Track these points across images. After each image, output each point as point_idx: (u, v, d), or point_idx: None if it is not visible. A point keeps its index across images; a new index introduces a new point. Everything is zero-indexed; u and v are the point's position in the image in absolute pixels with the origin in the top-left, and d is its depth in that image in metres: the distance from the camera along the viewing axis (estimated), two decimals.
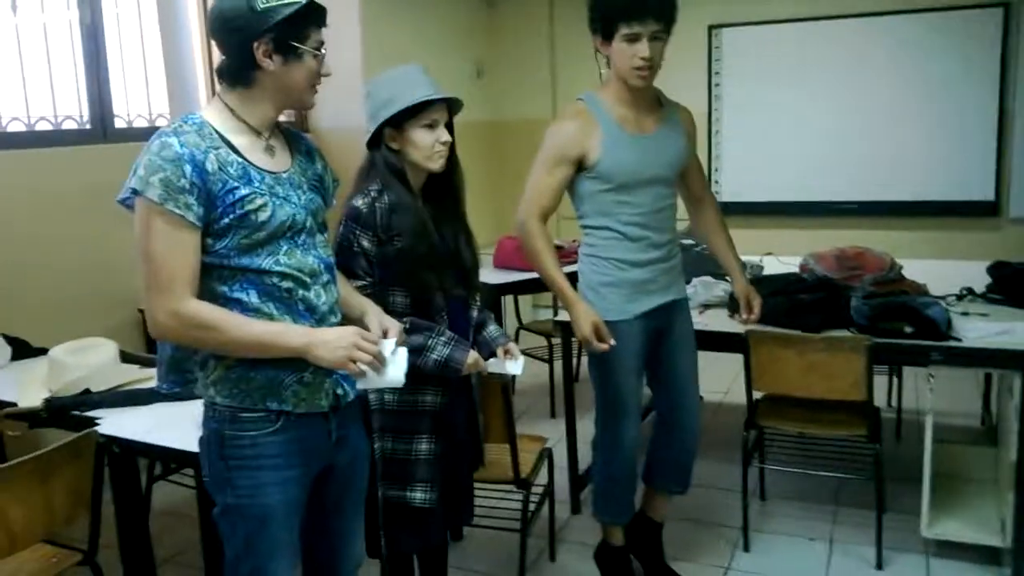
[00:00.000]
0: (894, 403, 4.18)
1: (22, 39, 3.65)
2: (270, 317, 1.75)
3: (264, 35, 1.69)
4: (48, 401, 2.57)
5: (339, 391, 1.89)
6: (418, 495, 2.28)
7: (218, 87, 1.81)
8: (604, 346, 2.56)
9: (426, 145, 2.22)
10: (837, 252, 3.61)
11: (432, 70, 2.32)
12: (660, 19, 2.47)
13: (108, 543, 2.46)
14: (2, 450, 3.06)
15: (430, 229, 2.25)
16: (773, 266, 3.95)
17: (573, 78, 6.08)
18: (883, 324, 2.98)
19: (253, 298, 1.75)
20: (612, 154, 2.60)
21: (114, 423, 2.44)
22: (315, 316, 1.82)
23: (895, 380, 4.21)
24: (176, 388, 1.86)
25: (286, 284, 1.78)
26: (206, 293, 1.73)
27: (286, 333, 1.74)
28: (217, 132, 1.74)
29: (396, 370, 1.87)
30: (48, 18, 3.74)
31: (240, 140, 1.77)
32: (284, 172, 1.83)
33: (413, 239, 2.19)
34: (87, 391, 2.61)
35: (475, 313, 2.40)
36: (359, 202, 2.20)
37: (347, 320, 1.97)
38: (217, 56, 1.80)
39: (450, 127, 2.30)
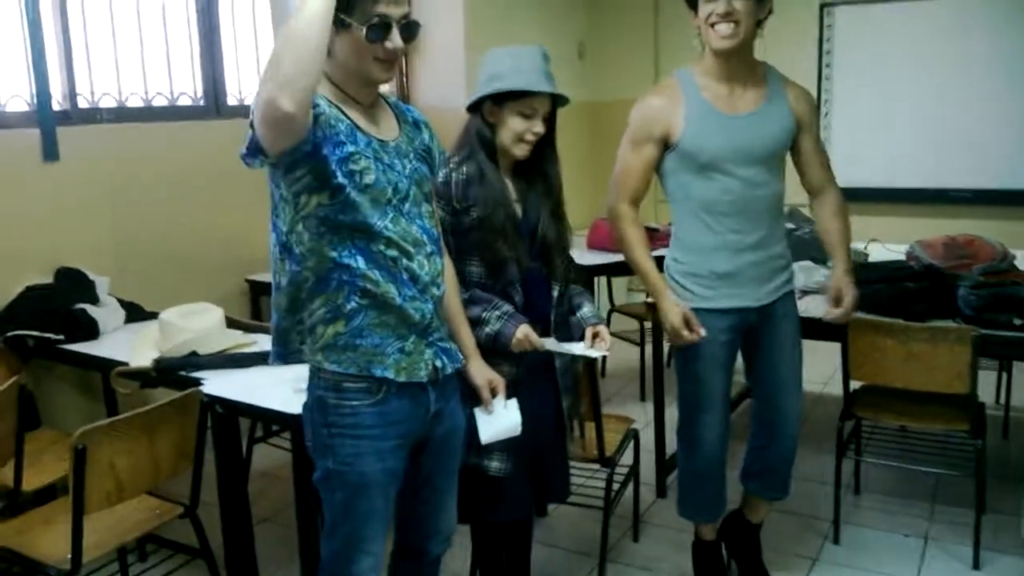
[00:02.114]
0: (1002, 400, 4.00)
1: (141, 17, 3.82)
2: (376, 284, 1.80)
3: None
4: (157, 361, 2.71)
5: (438, 363, 1.93)
6: (495, 463, 2.31)
7: None
8: (694, 336, 2.48)
9: (517, 131, 2.23)
10: (946, 240, 3.47)
11: None
12: None
13: (208, 500, 2.58)
14: (114, 406, 3.25)
15: (507, 200, 2.26)
16: (879, 253, 3.82)
17: (676, 57, 5.97)
18: (991, 315, 2.86)
19: (360, 263, 1.79)
20: (695, 131, 2.49)
21: (218, 384, 2.55)
22: (418, 286, 1.86)
23: (1004, 376, 4.02)
24: (279, 360, 1.92)
25: (391, 252, 1.81)
26: (320, 259, 1.79)
27: None
28: (327, 99, 1.78)
29: (513, 418, 2.09)
30: None
31: (347, 108, 1.81)
32: (391, 140, 1.87)
33: (487, 209, 2.21)
34: (194, 353, 2.74)
35: (555, 291, 2.37)
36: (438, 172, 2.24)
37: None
38: None
39: (552, 121, 2.29)
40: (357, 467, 1.86)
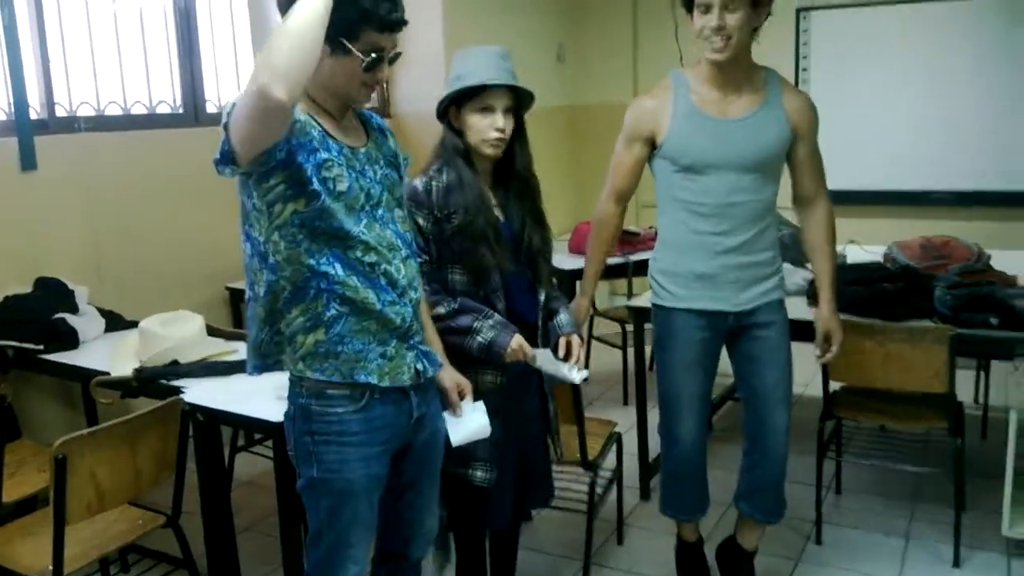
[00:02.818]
0: (981, 399, 4.05)
1: (119, 26, 3.80)
2: (354, 290, 1.80)
3: None
4: (138, 371, 2.69)
5: (419, 367, 1.93)
6: (479, 473, 2.31)
7: None
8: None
9: (478, 129, 2.23)
10: (922, 241, 3.51)
11: (513, 54, 2.32)
12: None
13: (191, 509, 2.57)
14: (95, 416, 3.23)
15: (487, 207, 2.26)
16: (856, 255, 3.85)
17: (655, 62, 6.01)
18: (968, 315, 2.89)
19: (339, 270, 1.79)
20: (679, 134, 2.50)
21: (199, 393, 2.54)
22: (396, 290, 1.87)
23: (982, 375, 4.07)
24: (256, 372, 1.91)
25: (368, 258, 1.82)
26: (297, 267, 1.78)
27: None
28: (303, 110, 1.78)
29: (480, 420, 2.10)
30: (144, 5, 3.89)
31: (318, 117, 1.81)
32: (361, 147, 1.88)
33: (468, 216, 2.22)
34: (175, 362, 2.73)
35: (542, 297, 2.38)
36: (417, 181, 2.25)
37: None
38: None
39: (519, 117, 2.30)
40: (343, 474, 1.86)
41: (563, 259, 4.11)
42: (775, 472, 2.69)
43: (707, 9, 2.37)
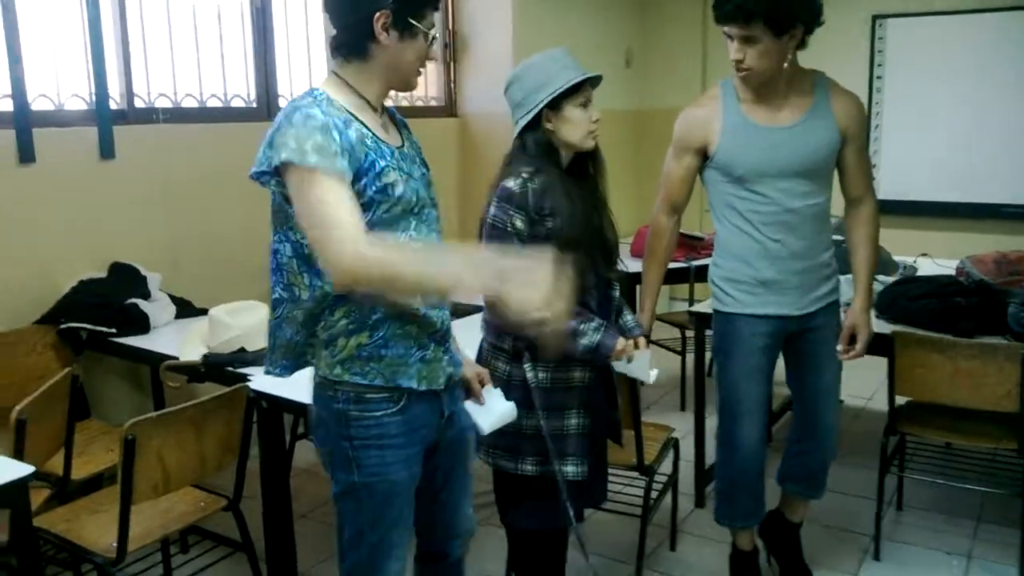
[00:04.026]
0: None
1: (198, 20, 3.90)
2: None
3: (385, 7, 1.69)
4: (206, 357, 2.76)
5: (451, 370, 1.95)
6: (570, 468, 2.33)
7: (332, 63, 1.83)
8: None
9: (579, 123, 2.26)
10: (997, 256, 3.41)
11: (581, 57, 2.33)
12: (744, 22, 2.34)
13: (251, 494, 2.63)
14: (162, 400, 3.32)
15: (585, 209, 2.28)
16: (928, 268, 3.77)
17: (723, 66, 5.92)
18: None
19: None
20: (730, 144, 2.51)
21: (264, 380, 2.56)
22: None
23: None
24: (288, 373, 1.91)
25: None
26: None
27: (468, 271, 1.63)
28: (345, 108, 1.75)
29: (506, 404, 2.12)
30: (221, 1, 3.98)
31: (364, 116, 1.77)
32: (402, 147, 1.86)
33: (567, 219, 2.22)
34: (242, 349, 2.79)
35: (616, 293, 2.41)
36: (511, 183, 2.23)
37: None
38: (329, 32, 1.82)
39: None
40: (386, 476, 1.84)
41: (626, 262, 4.08)
42: (826, 459, 2.80)
43: (730, 38, 2.42)
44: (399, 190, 1.76)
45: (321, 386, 1.85)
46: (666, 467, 3.10)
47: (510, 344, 2.33)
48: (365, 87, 1.79)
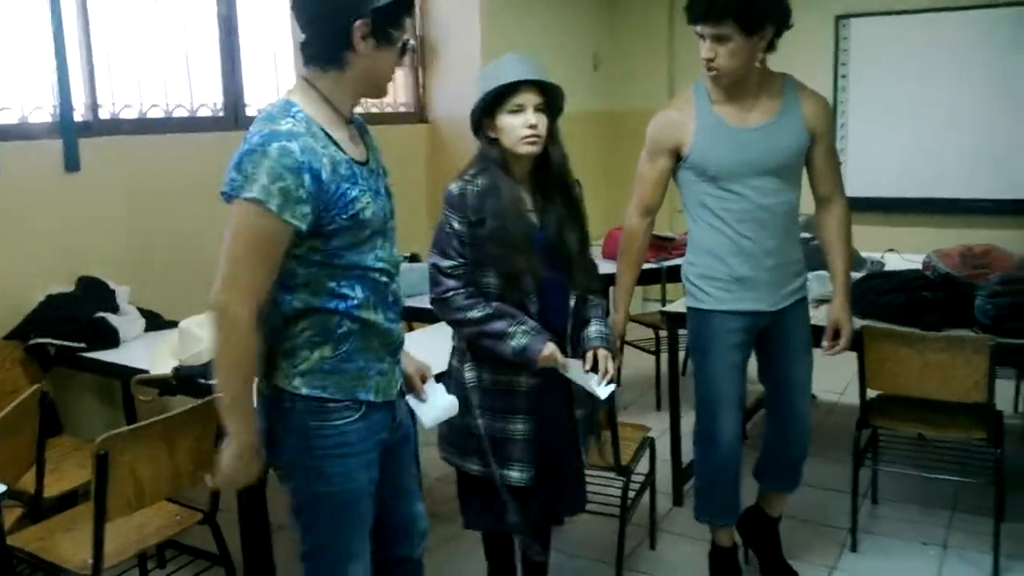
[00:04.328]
0: (1020, 408, 3.98)
1: (163, 30, 3.87)
2: (370, 310, 1.80)
3: (365, 16, 1.68)
4: (177, 369, 2.73)
5: (400, 380, 1.98)
6: (515, 473, 2.32)
7: (303, 71, 1.79)
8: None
9: (512, 129, 2.23)
10: (963, 249, 3.46)
11: (549, 61, 2.33)
12: (716, 21, 2.39)
13: (228, 507, 2.60)
14: (134, 414, 3.28)
15: (520, 211, 2.27)
16: (895, 263, 3.82)
17: (690, 68, 5.99)
18: (1009, 325, 2.85)
19: (359, 292, 1.78)
20: (704, 145, 2.56)
21: None
22: (397, 307, 1.89)
23: (1022, 385, 4.00)
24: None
25: (383, 279, 1.83)
26: (315, 287, 1.76)
27: (242, 420, 1.75)
28: (322, 129, 1.72)
29: (447, 399, 2.11)
30: (187, 10, 3.95)
31: (338, 134, 1.76)
32: (368, 162, 1.84)
33: (501, 220, 2.23)
34: (212, 361, 2.76)
35: (572, 302, 2.37)
36: (452, 186, 2.28)
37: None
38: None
39: (554, 114, 2.30)
40: (348, 484, 1.84)
41: (597, 264, 4.10)
42: (802, 452, 2.84)
43: (702, 37, 2.47)
44: (368, 213, 1.76)
45: (275, 399, 1.83)
46: (643, 467, 3.11)
47: (458, 342, 2.37)
48: (339, 97, 1.78)
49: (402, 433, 2.03)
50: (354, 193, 1.73)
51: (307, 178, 1.65)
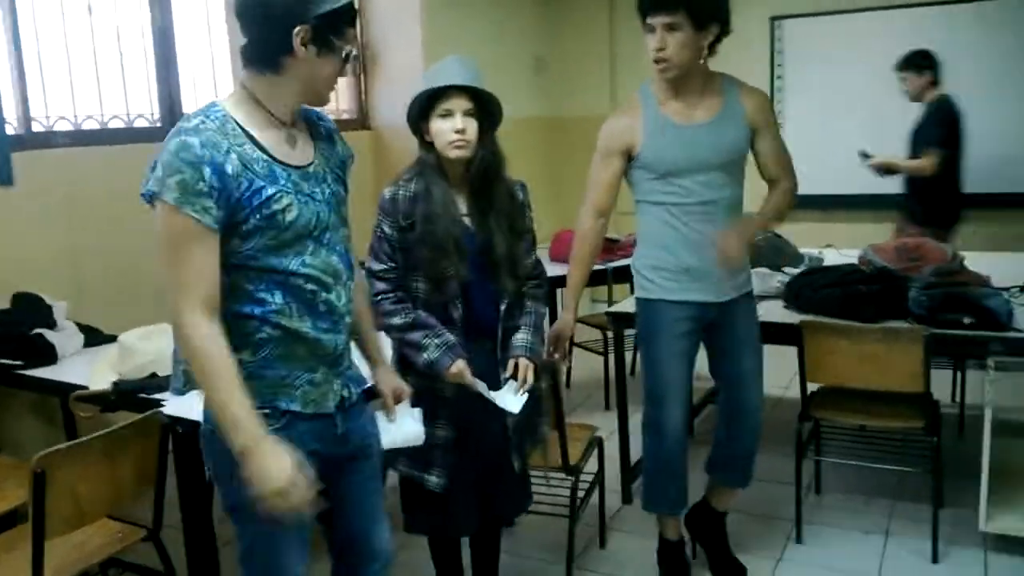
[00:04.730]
0: (958, 398, 4.08)
1: (97, 41, 3.80)
2: (290, 318, 1.75)
3: (306, 22, 1.67)
4: (116, 384, 2.69)
5: (345, 393, 1.90)
6: (433, 478, 2.34)
7: (241, 74, 1.78)
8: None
9: (440, 133, 2.26)
10: (898, 243, 3.56)
11: (491, 66, 2.36)
12: (669, 10, 2.48)
13: (172, 523, 2.56)
14: (74, 431, 3.22)
15: (451, 214, 2.28)
16: (833, 258, 3.90)
17: (633, 72, 6.06)
18: (942, 315, 2.94)
19: (278, 298, 1.74)
20: (653, 144, 2.64)
21: (179, 405, 2.53)
22: (333, 317, 1.83)
23: (959, 375, 4.11)
24: (178, 394, 1.89)
25: (310, 286, 1.77)
26: (231, 289, 1.72)
27: (236, 425, 1.65)
28: (241, 127, 1.71)
29: (414, 427, 2.04)
30: (121, 20, 3.89)
31: (264, 135, 1.74)
32: (309, 166, 1.80)
33: (430, 224, 2.25)
34: (154, 375, 2.72)
35: (503, 307, 2.37)
36: (386, 190, 2.30)
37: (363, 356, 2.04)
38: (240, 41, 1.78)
39: (490, 119, 2.32)
40: None
41: (545, 267, 4.12)
42: (752, 445, 2.90)
43: (652, 30, 2.54)
44: (291, 215, 1.73)
45: (204, 401, 1.80)
46: (592, 466, 3.13)
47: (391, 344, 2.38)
48: (275, 101, 1.75)
49: (356, 448, 1.96)
50: (270, 192, 1.70)
51: (207, 171, 1.63)
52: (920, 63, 4.75)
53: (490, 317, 2.37)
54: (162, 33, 4.01)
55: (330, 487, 1.91)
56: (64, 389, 2.83)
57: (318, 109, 1.93)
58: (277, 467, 1.65)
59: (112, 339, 3.04)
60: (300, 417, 1.81)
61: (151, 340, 2.81)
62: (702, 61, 2.62)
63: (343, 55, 1.77)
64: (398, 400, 2.11)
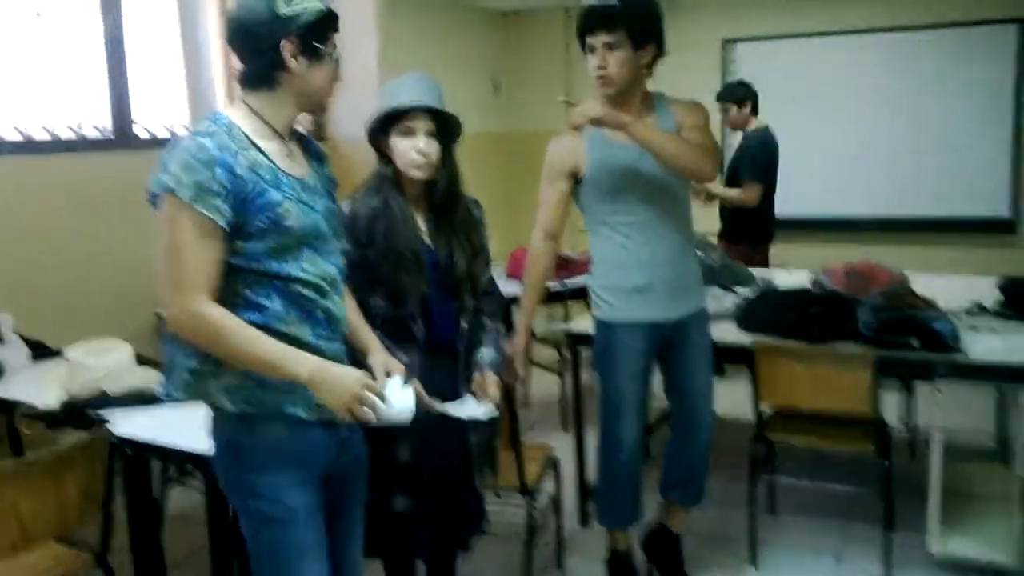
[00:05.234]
0: (910, 421, 4.15)
1: (46, 49, 3.72)
2: (288, 324, 1.77)
3: (290, 36, 1.74)
4: (65, 402, 2.62)
5: None
6: (399, 501, 2.31)
7: (239, 92, 1.84)
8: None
9: (402, 152, 2.25)
10: (847, 267, 3.61)
11: (449, 84, 2.35)
12: (609, 29, 2.57)
13: (120, 545, 2.50)
14: (19, 449, 3.12)
15: (409, 231, 2.27)
16: (784, 280, 3.95)
17: (587, 90, 6.10)
18: (890, 337, 2.99)
19: (277, 304, 1.77)
20: (596, 164, 2.70)
21: (127, 424, 2.48)
22: (331, 325, 1.86)
23: (909, 398, 4.18)
24: (185, 398, 1.85)
25: (309, 293, 1.80)
26: (230, 294, 1.74)
27: (295, 359, 1.73)
28: (246, 135, 1.76)
29: (404, 407, 1.90)
30: (71, 28, 3.82)
31: (266, 145, 1.79)
32: (307, 178, 1.86)
33: (390, 239, 2.24)
34: (103, 392, 2.66)
35: (465, 324, 2.36)
36: (344, 205, 2.26)
37: (352, 350, 2.02)
38: (236, 65, 1.84)
39: (448, 142, 2.31)
40: (282, 502, 1.81)
41: (500, 284, 4.11)
42: (704, 459, 2.95)
43: (592, 50, 2.62)
44: (292, 221, 1.77)
45: (213, 416, 1.84)
46: (549, 487, 3.12)
47: None
48: (274, 114, 1.81)
49: (350, 457, 1.97)
50: (276, 197, 1.75)
51: (219, 171, 1.68)
52: (741, 95, 4.91)
53: (450, 335, 2.35)
54: (113, 42, 3.94)
55: (330, 509, 1.93)
56: (9, 406, 2.76)
57: (303, 132, 1.98)
58: (346, 376, 1.75)
59: (60, 353, 2.97)
60: (308, 425, 1.83)
61: (100, 356, 2.75)
62: (643, 81, 2.69)
63: (333, 60, 1.83)
64: (388, 375, 2.02)
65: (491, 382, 2.33)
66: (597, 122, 2.59)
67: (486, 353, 2.38)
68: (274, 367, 1.72)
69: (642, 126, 2.59)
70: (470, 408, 2.26)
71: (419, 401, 2.10)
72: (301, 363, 1.73)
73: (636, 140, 2.58)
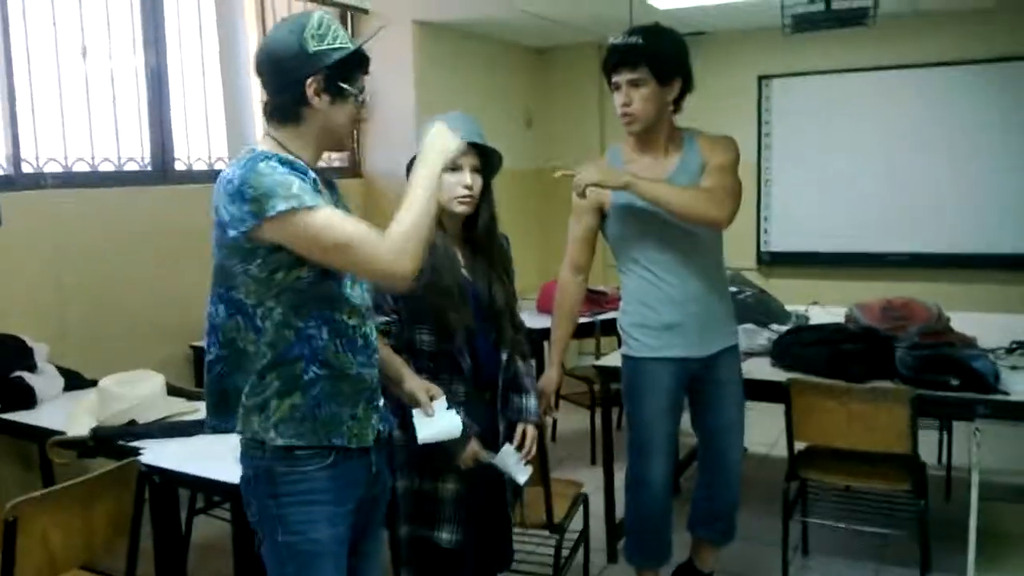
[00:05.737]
0: (945, 460, 4.06)
1: (90, 83, 3.81)
2: (336, 355, 1.80)
3: (316, 74, 1.76)
4: (95, 430, 2.65)
5: (380, 427, 1.94)
6: (445, 535, 2.29)
7: (266, 127, 1.87)
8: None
9: (448, 187, 2.26)
10: (883, 303, 3.56)
11: (482, 120, 2.37)
12: (633, 66, 2.58)
13: (146, 573, 2.50)
14: (51, 477, 3.15)
15: (454, 266, 2.29)
16: (819, 316, 3.91)
17: (621, 127, 6.12)
18: (928, 376, 2.93)
19: (324, 334, 1.79)
20: (623, 200, 2.69)
21: (157, 453, 2.50)
22: (369, 350, 1.88)
23: (945, 436, 4.09)
24: (223, 430, 1.87)
25: (352, 321, 1.83)
26: (285, 332, 1.76)
27: (415, 172, 1.83)
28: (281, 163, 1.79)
29: (452, 420, 2.04)
30: (115, 64, 3.91)
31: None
32: (335, 204, 1.87)
33: (434, 275, 2.23)
34: (133, 422, 2.68)
35: (504, 357, 2.37)
36: None
37: (385, 382, 2.04)
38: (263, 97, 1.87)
39: (488, 177, 2.34)
40: (309, 535, 1.81)
41: (530, 319, 4.11)
42: (734, 498, 2.91)
43: (617, 88, 2.64)
44: None
45: (249, 444, 1.84)
46: (577, 523, 3.09)
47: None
48: (300, 150, 1.83)
49: (378, 489, 1.99)
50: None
51: (303, 177, 1.73)
52: None
53: (493, 367, 2.36)
54: (156, 77, 4.03)
55: (354, 536, 1.92)
56: (42, 434, 2.79)
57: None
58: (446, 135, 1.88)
59: (93, 383, 3.00)
60: (347, 454, 1.84)
61: (132, 386, 2.78)
62: (669, 117, 2.69)
63: (358, 100, 1.85)
64: (432, 398, 2.09)
65: (531, 436, 2.37)
66: (598, 186, 2.59)
67: (530, 404, 2.42)
68: (429, 181, 1.81)
69: (645, 184, 2.56)
70: (512, 465, 2.29)
71: (467, 441, 2.14)
72: (421, 165, 1.83)
73: (640, 197, 2.58)
